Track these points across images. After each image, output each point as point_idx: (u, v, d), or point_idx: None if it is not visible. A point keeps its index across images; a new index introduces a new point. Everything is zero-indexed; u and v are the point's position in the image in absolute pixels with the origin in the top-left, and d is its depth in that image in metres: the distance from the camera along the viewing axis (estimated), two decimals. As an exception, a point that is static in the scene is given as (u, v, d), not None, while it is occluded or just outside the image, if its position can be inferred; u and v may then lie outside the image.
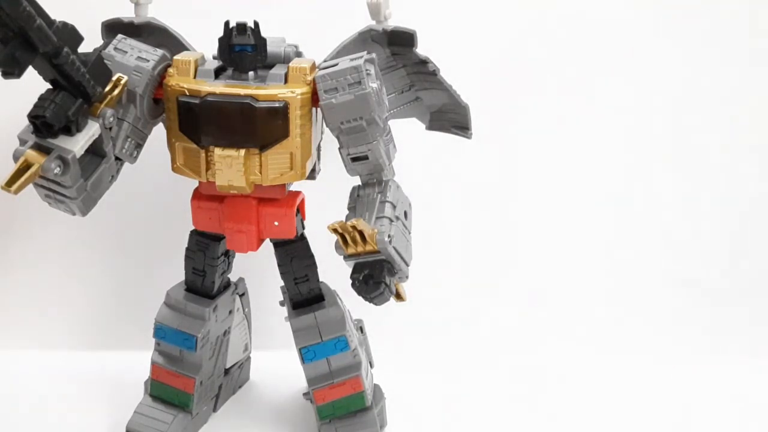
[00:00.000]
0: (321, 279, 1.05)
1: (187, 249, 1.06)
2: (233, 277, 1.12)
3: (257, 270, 1.14)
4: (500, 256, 1.33)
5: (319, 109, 0.95)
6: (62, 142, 0.83)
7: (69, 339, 1.32)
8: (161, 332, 1.07)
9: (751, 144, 1.31)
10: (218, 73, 0.94)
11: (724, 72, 1.27)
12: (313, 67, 0.95)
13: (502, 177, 1.30)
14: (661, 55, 1.27)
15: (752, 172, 1.31)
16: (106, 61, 0.88)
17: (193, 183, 0.99)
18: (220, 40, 0.92)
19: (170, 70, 0.94)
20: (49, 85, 0.83)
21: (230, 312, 1.12)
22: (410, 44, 1.00)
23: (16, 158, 0.82)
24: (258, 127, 0.91)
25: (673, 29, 1.26)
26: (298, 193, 1.02)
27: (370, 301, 0.92)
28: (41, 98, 0.82)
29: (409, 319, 1.33)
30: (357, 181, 0.99)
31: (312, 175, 1.00)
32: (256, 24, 0.92)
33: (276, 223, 0.99)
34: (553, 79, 1.27)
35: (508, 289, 1.34)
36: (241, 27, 0.91)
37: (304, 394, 1.11)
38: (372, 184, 0.98)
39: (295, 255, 1.03)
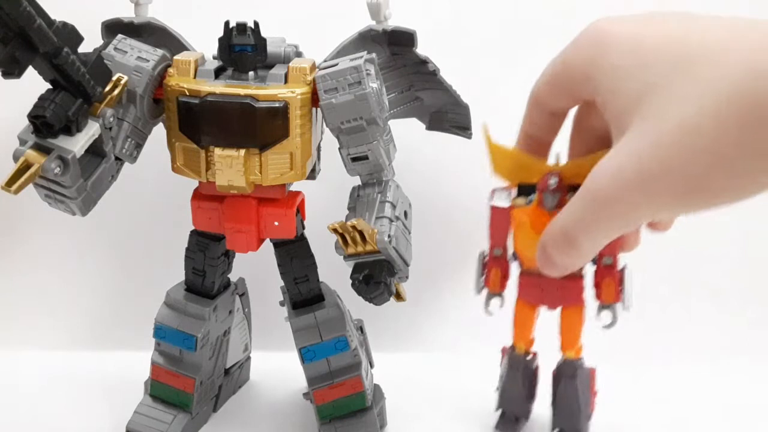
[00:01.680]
0: (321, 279, 1.05)
1: (187, 249, 1.06)
2: (233, 277, 1.12)
3: (257, 270, 1.14)
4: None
5: (319, 109, 0.95)
6: (62, 142, 0.83)
7: (69, 339, 1.32)
8: (161, 332, 1.07)
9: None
10: (218, 73, 0.94)
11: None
12: (313, 67, 0.95)
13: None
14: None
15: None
16: (106, 61, 0.88)
17: (193, 183, 0.99)
18: (220, 40, 0.92)
19: (170, 70, 0.94)
20: (49, 85, 0.83)
21: (230, 312, 1.12)
22: (410, 44, 1.00)
23: (16, 158, 0.82)
24: (258, 127, 0.91)
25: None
26: (298, 193, 1.02)
27: (370, 301, 0.92)
28: (41, 98, 0.82)
29: (408, 319, 1.33)
30: (357, 181, 0.99)
31: (312, 175, 1.00)
32: (256, 24, 0.92)
33: (276, 223, 0.99)
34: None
35: (508, 289, 1.33)
36: (241, 27, 0.91)
37: (304, 394, 1.11)
38: (372, 184, 0.98)
39: (295, 255, 1.03)
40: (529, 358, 1.08)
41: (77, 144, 0.84)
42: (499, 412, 1.10)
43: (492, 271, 1.04)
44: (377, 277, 0.91)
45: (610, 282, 0.99)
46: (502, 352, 1.10)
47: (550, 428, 1.08)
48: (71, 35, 0.80)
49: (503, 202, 0.98)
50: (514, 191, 0.96)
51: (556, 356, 1.07)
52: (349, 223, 0.89)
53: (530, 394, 1.11)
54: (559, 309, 1.03)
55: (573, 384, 1.04)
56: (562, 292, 1.01)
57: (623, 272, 1.00)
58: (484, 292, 1.05)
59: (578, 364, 1.05)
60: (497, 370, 1.10)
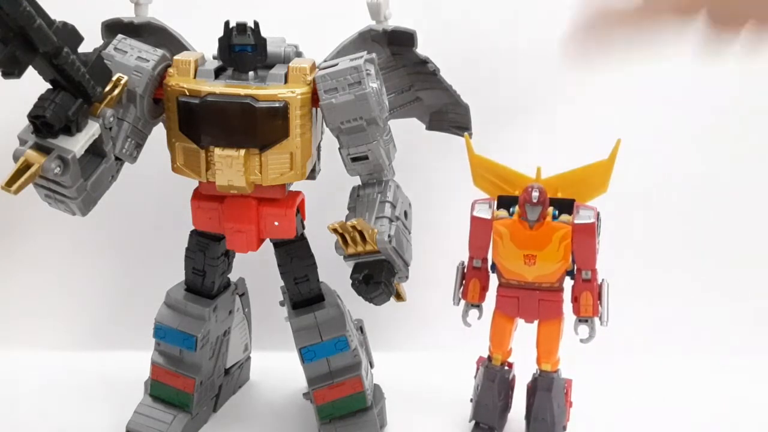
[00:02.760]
0: (321, 279, 1.05)
1: (187, 249, 1.06)
2: (233, 277, 1.12)
3: (257, 270, 1.14)
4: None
5: (319, 109, 0.95)
6: (62, 142, 0.83)
7: (69, 339, 1.32)
8: (161, 332, 1.07)
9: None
10: (218, 73, 0.94)
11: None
12: (313, 67, 0.95)
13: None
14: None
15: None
16: (106, 61, 0.88)
17: (193, 183, 0.99)
18: (220, 40, 0.92)
19: (170, 70, 0.94)
20: (49, 85, 0.83)
21: (230, 312, 1.12)
22: (410, 44, 1.00)
23: (16, 158, 0.82)
24: (258, 127, 0.91)
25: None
26: (298, 193, 1.02)
27: (370, 301, 0.92)
28: (41, 98, 0.82)
29: (408, 319, 1.33)
30: (357, 181, 0.99)
31: (312, 175, 1.00)
32: (256, 24, 0.92)
33: (276, 223, 0.99)
34: (555, 76, 1.27)
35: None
36: (241, 27, 0.91)
37: (304, 394, 1.11)
38: (372, 184, 0.98)
39: (295, 255, 1.03)
40: (504, 369, 1.08)
41: (77, 144, 0.84)
42: (473, 423, 1.11)
43: (471, 282, 1.04)
44: (377, 277, 0.91)
45: (588, 296, 1.00)
46: (477, 363, 1.11)
47: None
48: (71, 35, 0.80)
49: (484, 213, 0.99)
50: (496, 203, 0.97)
51: (531, 367, 1.07)
52: (349, 223, 0.89)
53: (505, 406, 1.11)
54: (536, 321, 1.04)
55: (548, 396, 1.05)
56: (541, 305, 1.01)
57: (602, 287, 1.00)
58: (462, 303, 1.05)
59: (554, 376, 1.05)
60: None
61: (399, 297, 1.00)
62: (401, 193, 0.99)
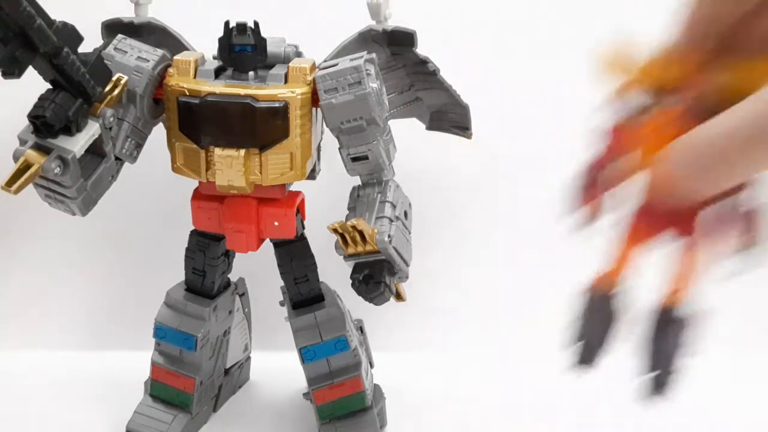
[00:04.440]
0: (321, 279, 1.05)
1: (187, 249, 1.06)
2: (233, 277, 1.12)
3: (257, 270, 1.14)
4: (501, 255, 1.33)
5: (319, 109, 0.95)
6: (62, 142, 0.83)
7: (69, 339, 1.32)
8: (161, 332, 1.07)
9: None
10: (218, 73, 0.94)
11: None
12: (313, 67, 0.95)
13: (502, 177, 1.30)
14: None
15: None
16: (106, 61, 0.88)
17: (193, 183, 0.99)
18: (220, 40, 0.92)
19: (170, 70, 0.94)
20: (49, 85, 0.83)
21: (230, 312, 1.12)
22: (410, 44, 1.00)
23: (16, 158, 0.82)
24: (258, 127, 0.91)
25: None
26: (298, 193, 1.02)
27: (370, 301, 0.92)
28: (41, 98, 0.82)
29: (408, 319, 1.33)
30: (357, 181, 0.99)
31: (312, 175, 1.00)
32: (256, 24, 0.92)
33: (276, 223, 0.99)
34: (555, 77, 1.27)
35: (508, 290, 1.33)
36: (241, 27, 0.91)
37: (304, 394, 1.11)
38: (372, 184, 0.98)
39: (295, 255, 1.04)
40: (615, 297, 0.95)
41: (77, 144, 0.83)
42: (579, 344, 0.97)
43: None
44: (377, 277, 0.91)
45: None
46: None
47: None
48: (71, 35, 0.80)
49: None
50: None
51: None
52: (349, 223, 0.89)
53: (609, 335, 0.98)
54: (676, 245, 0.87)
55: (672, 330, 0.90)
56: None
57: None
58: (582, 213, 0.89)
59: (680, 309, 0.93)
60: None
61: (399, 297, 1.00)
62: (401, 193, 0.99)
